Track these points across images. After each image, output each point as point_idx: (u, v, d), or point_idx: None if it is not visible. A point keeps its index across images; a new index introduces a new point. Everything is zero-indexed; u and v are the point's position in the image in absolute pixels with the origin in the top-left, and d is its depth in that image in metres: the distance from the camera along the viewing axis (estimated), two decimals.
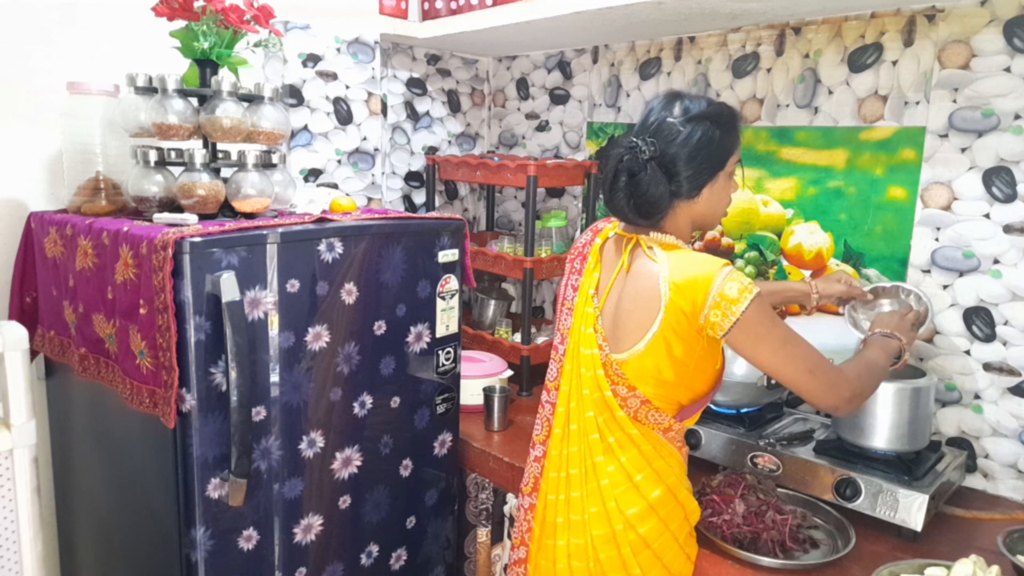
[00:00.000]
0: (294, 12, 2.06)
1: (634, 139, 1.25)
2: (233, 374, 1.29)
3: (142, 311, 1.32)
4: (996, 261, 1.57)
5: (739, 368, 1.87)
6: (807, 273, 1.87)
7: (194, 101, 1.52)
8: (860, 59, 1.74)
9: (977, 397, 1.62)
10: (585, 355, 1.30)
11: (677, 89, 1.32)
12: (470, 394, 1.97)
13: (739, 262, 1.98)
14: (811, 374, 1.22)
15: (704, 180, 1.26)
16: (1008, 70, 1.52)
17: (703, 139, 1.23)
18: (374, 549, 1.66)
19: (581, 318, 1.32)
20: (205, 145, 1.55)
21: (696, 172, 1.24)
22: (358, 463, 1.59)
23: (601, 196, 1.31)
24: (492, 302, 2.49)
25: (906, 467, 1.44)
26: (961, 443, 1.65)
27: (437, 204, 2.59)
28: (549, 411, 1.38)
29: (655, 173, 1.22)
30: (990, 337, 1.59)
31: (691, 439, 1.67)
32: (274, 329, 1.40)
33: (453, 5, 2.20)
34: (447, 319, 1.74)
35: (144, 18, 1.56)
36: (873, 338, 1.41)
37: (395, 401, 1.65)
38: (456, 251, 1.72)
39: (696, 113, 1.24)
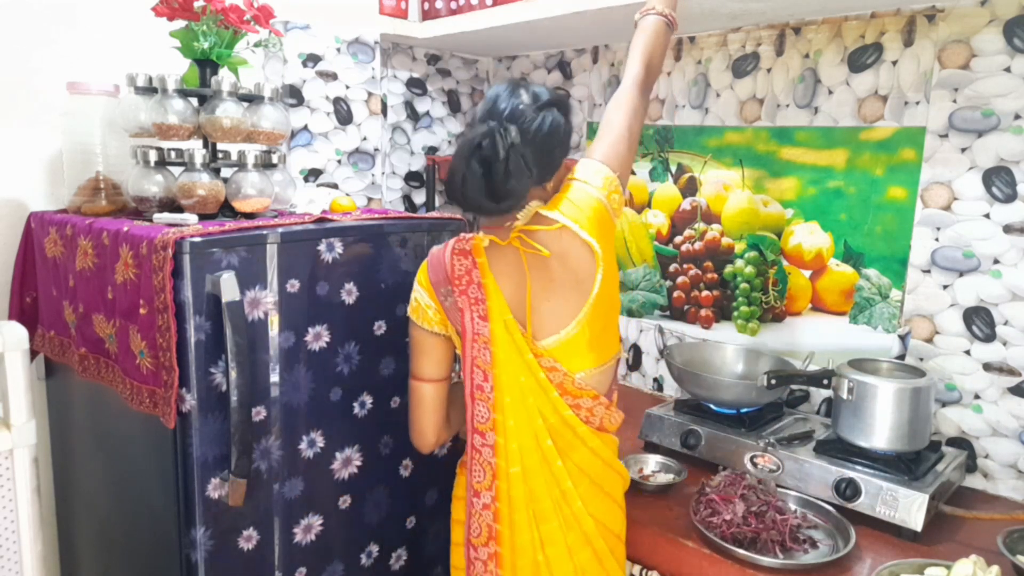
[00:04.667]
0: (294, 12, 2.06)
1: (491, 123, 1.20)
2: (233, 374, 1.29)
3: (142, 311, 1.32)
4: (996, 261, 1.57)
5: (739, 368, 1.87)
6: (805, 274, 1.87)
7: (194, 101, 1.52)
8: (860, 59, 1.74)
9: (977, 397, 1.62)
10: (530, 384, 1.24)
11: (516, 78, 1.34)
12: None
13: (739, 262, 1.99)
14: None
15: (557, 165, 1.28)
16: (1008, 70, 1.52)
17: (554, 124, 1.23)
18: (374, 549, 1.66)
19: (508, 348, 1.24)
20: (205, 145, 1.55)
21: (551, 158, 1.25)
22: (358, 463, 1.59)
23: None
24: None
25: (906, 467, 1.44)
26: (961, 443, 1.65)
27: (437, 204, 2.59)
28: (489, 454, 1.28)
29: (517, 160, 1.19)
30: (990, 337, 1.59)
31: (691, 439, 1.67)
32: (274, 329, 1.40)
33: (453, 5, 2.20)
34: None
35: (144, 18, 1.56)
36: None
37: (395, 401, 1.65)
38: None
39: (545, 101, 1.24)
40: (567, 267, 1.26)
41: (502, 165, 1.17)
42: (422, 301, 1.33)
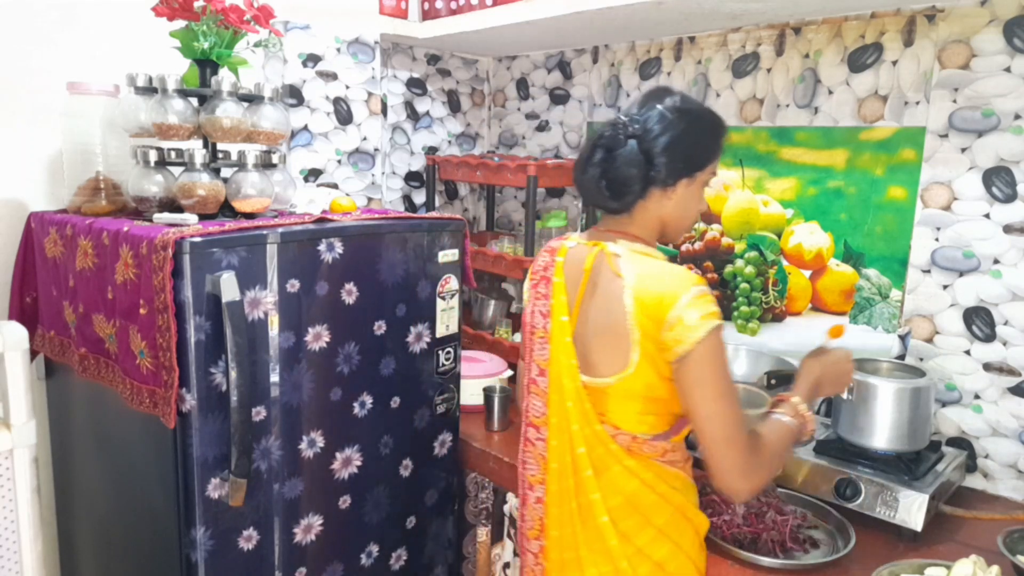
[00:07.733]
0: (294, 12, 2.06)
1: (620, 117, 1.22)
2: (233, 374, 1.29)
3: (142, 311, 1.32)
4: (996, 261, 1.57)
5: (738, 368, 1.87)
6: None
7: (194, 101, 1.52)
8: (860, 59, 1.74)
9: (977, 397, 1.62)
10: (569, 388, 1.24)
11: (664, 86, 1.28)
12: (470, 394, 1.97)
13: (739, 262, 1.99)
14: (728, 443, 1.12)
15: (681, 171, 1.20)
16: (1008, 70, 1.52)
17: (689, 131, 1.20)
18: (374, 549, 1.66)
19: (560, 348, 1.25)
20: (205, 145, 1.55)
21: (674, 159, 1.19)
22: (358, 463, 1.59)
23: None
24: (492, 302, 2.49)
25: (906, 467, 1.44)
26: (961, 443, 1.65)
27: (437, 204, 2.59)
28: (542, 448, 1.30)
29: (633, 151, 1.18)
30: (990, 337, 1.59)
31: (691, 439, 1.67)
32: (274, 329, 1.40)
33: (453, 5, 2.20)
34: (447, 319, 1.74)
35: (144, 18, 1.56)
36: (787, 421, 1.24)
37: (395, 401, 1.65)
38: (456, 251, 1.72)
39: (687, 108, 1.21)
40: (607, 305, 1.20)
41: (616, 156, 1.19)
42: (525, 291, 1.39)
